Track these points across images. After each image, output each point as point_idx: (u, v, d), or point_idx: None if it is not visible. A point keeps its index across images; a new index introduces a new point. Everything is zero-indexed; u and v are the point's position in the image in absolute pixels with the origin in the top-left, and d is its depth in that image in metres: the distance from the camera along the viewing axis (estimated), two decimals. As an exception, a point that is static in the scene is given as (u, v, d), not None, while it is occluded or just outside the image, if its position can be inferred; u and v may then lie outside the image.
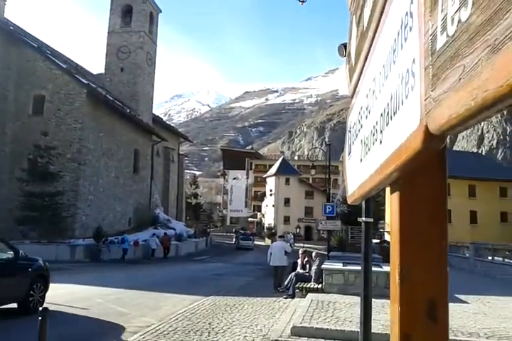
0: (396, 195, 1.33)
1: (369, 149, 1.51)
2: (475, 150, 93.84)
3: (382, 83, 1.26)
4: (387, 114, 1.19)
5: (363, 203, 7.80)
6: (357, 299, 10.25)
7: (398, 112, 1.06)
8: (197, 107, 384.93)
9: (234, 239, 50.61)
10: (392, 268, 1.36)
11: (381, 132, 1.28)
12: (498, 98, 0.53)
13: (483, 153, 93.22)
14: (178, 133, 51.34)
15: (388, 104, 1.18)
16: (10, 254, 8.94)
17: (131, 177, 33.70)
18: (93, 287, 13.44)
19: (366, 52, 1.60)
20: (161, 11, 41.73)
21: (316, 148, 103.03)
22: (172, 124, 73.23)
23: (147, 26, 38.40)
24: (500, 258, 20.96)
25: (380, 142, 1.30)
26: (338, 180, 72.39)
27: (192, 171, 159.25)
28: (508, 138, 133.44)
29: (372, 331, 6.88)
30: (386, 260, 19.91)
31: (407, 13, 0.97)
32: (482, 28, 0.58)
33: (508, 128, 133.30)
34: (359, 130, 1.75)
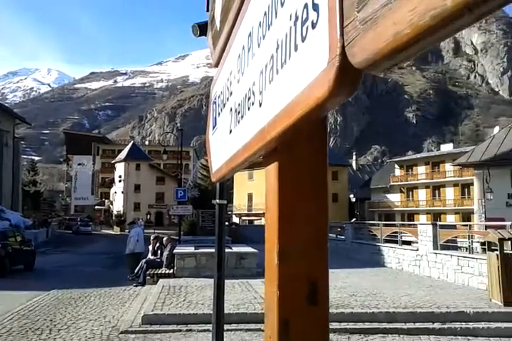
0: (273, 166, 1.18)
1: (242, 116, 1.34)
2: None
3: (263, 35, 1.08)
4: (272, 68, 1.01)
5: (217, 186, 7.76)
6: (208, 281, 10.35)
7: (288, 62, 0.89)
8: (36, 86, 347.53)
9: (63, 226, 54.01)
10: (268, 248, 1.22)
11: (261, 93, 1.11)
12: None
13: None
14: (12, 113, 45.41)
15: (273, 56, 1.00)
16: (22, 238, 17.37)
17: (-48, 162, 28.91)
18: None
19: (237, 8, 1.41)
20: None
21: (167, 133, 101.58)
22: (6, 104, 64.64)
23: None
24: (334, 235, 23.35)
25: (260, 104, 1.12)
26: (189, 165, 72.65)
27: (30, 156, 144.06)
28: (338, 128, 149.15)
29: (225, 311, 6.94)
30: (235, 241, 20.65)
31: None
32: None
33: (338, 119, 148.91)
34: (228, 98, 1.57)
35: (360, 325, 7.55)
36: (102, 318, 8.30)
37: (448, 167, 45.13)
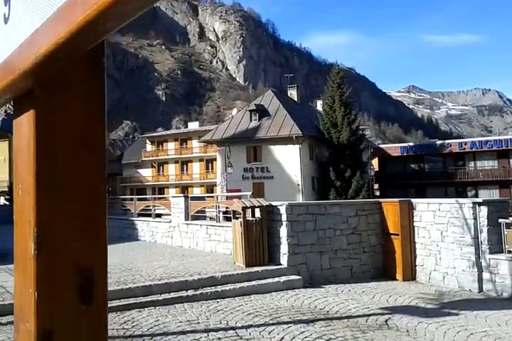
0: (28, 116, 0.82)
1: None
2: None
3: None
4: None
5: None
6: None
7: None
8: None
9: None
10: (19, 232, 0.86)
11: (7, 2, 0.72)
12: None
13: None
14: None
15: None
16: None
17: None
18: None
19: None
20: None
21: None
22: None
23: None
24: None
25: (6, 20, 0.73)
26: None
27: None
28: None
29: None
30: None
31: None
32: None
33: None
34: None
35: (116, 303, 7.31)
36: None
37: (195, 143, 48.15)
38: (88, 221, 0.85)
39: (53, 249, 0.81)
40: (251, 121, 36.48)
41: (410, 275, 10.80)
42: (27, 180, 0.83)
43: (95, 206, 0.86)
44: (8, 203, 35.64)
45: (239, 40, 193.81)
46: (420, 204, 10.89)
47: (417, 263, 10.86)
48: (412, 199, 11.23)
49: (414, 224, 10.87)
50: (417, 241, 10.84)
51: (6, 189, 38.08)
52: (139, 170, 52.06)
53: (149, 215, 16.22)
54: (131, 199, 17.20)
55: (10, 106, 0.98)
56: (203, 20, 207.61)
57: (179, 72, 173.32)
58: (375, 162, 40.28)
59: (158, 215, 16.78)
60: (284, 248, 9.93)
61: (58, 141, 0.82)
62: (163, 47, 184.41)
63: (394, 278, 10.80)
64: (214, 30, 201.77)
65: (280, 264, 9.83)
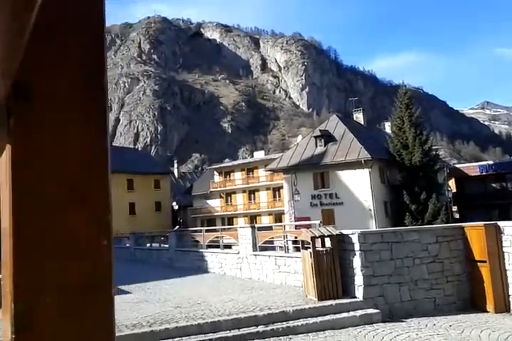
0: (5, 156, 0.64)
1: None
2: (132, 147, 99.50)
3: None
4: None
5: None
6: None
7: None
8: None
9: None
10: (3, 309, 0.67)
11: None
12: None
13: (139, 149, 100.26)
14: None
15: None
16: None
17: None
18: None
19: None
20: None
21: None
22: None
23: None
24: (157, 244, 22.64)
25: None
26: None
27: None
28: (159, 136, 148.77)
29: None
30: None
31: None
32: None
33: (159, 128, 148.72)
34: None
35: (185, 340, 7.14)
36: None
37: (261, 172, 48.47)
38: (87, 292, 0.64)
39: (37, 333, 0.61)
40: (316, 147, 36.13)
41: (503, 306, 9.71)
42: (5, 241, 0.64)
43: (96, 269, 0.65)
44: None
45: (301, 69, 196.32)
46: (509, 227, 9.88)
47: (510, 293, 9.76)
48: (499, 223, 10.24)
49: (504, 249, 9.85)
50: (508, 269, 9.79)
51: None
52: (208, 201, 53.06)
53: (218, 246, 16.18)
54: (200, 231, 17.32)
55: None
56: (264, 53, 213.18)
57: (243, 104, 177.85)
58: (451, 183, 38.08)
59: (228, 246, 16.69)
60: (358, 279, 9.34)
61: (44, 187, 0.63)
62: (227, 81, 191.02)
63: (484, 310, 9.76)
64: (276, 61, 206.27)
65: (355, 297, 9.23)
